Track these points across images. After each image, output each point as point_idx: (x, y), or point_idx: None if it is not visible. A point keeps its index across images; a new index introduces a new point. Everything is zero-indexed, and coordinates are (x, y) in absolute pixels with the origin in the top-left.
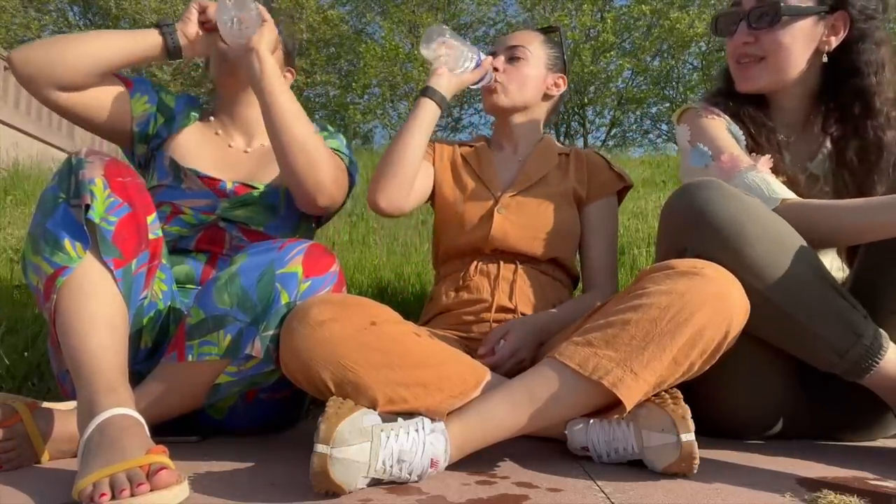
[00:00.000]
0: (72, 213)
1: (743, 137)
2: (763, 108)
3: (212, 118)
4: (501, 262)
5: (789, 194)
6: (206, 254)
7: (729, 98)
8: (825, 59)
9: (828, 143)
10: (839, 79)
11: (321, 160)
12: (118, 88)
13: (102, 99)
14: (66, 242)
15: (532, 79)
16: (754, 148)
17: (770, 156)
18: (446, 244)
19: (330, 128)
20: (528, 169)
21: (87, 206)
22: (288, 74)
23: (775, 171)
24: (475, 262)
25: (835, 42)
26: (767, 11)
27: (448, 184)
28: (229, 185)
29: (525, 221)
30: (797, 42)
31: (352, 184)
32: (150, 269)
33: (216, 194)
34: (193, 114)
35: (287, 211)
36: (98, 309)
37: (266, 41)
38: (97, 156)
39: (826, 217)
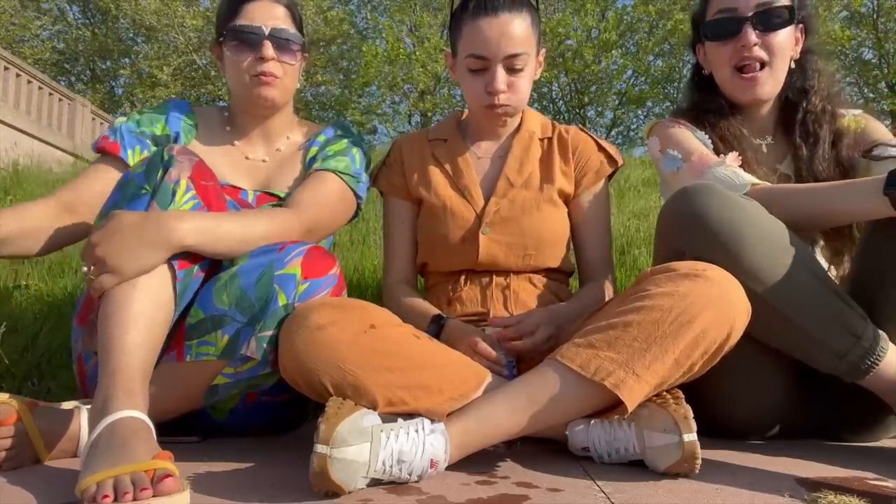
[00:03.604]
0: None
1: (710, 141)
2: (734, 116)
3: (228, 128)
4: (493, 275)
5: (756, 181)
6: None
7: (700, 110)
8: (793, 64)
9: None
10: (795, 83)
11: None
12: (109, 170)
13: (103, 192)
14: None
15: (530, 80)
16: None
17: (738, 153)
18: (432, 263)
19: (351, 134)
20: (510, 171)
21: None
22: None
23: (749, 173)
24: (464, 276)
25: (799, 49)
26: (779, 13)
27: (425, 197)
28: (251, 195)
29: (512, 240)
30: (788, 46)
31: (359, 204)
32: (208, 275)
33: (238, 203)
34: (189, 123)
35: None
36: (144, 307)
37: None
38: (187, 156)
39: (792, 201)
